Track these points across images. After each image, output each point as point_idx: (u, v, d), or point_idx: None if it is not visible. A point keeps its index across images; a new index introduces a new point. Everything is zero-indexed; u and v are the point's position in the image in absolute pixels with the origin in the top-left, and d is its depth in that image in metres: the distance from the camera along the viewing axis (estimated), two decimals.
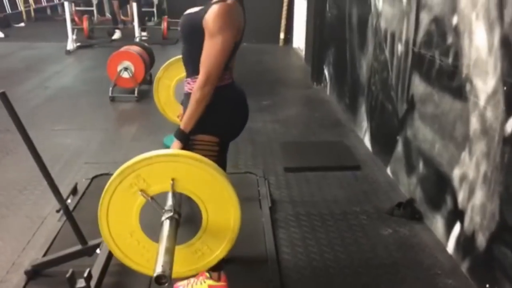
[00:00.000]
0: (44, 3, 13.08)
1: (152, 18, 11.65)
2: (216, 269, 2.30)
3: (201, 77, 1.96)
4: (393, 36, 3.69)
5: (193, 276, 2.34)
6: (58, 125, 4.81)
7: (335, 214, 3.21)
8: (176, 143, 2.02)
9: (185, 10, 2.15)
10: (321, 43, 6.26)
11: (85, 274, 1.99)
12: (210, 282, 2.31)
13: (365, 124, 4.44)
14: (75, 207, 3.18)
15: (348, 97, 5.05)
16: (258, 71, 7.29)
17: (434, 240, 2.92)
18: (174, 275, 1.92)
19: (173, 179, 1.64)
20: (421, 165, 3.18)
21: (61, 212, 3.06)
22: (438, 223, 2.94)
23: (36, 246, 2.80)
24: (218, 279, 2.32)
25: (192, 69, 2.09)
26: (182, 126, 2.02)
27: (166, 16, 9.82)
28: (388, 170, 3.81)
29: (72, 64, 7.72)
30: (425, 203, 3.12)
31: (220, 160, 2.17)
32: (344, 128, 4.85)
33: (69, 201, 3.25)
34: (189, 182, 1.67)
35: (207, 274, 2.31)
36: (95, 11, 11.93)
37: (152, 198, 1.67)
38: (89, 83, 6.44)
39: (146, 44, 6.42)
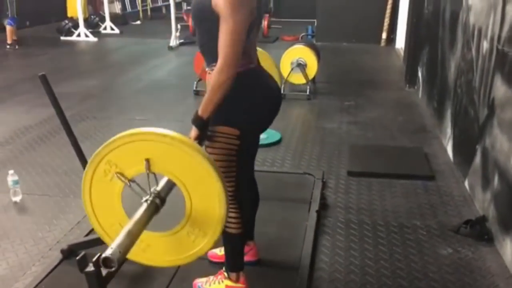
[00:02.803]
0: (159, 3, 13.87)
1: None
2: (234, 269, 2.19)
3: (219, 61, 1.81)
4: (480, 32, 3.27)
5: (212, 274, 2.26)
6: (140, 115, 5.01)
7: (391, 226, 2.91)
8: (193, 131, 1.90)
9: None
10: (416, 43, 5.82)
11: (94, 259, 1.98)
12: (228, 282, 2.20)
13: (449, 130, 4.01)
14: None
15: (436, 100, 4.61)
16: (349, 71, 7.00)
17: (501, 266, 2.52)
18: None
19: (147, 160, 1.54)
20: (496, 179, 2.77)
21: None
22: (507, 247, 2.53)
23: (83, 227, 2.90)
24: (237, 280, 2.20)
25: (209, 57, 1.96)
26: (199, 112, 1.87)
27: (267, 14, 9.84)
28: (466, 183, 3.39)
29: (170, 59, 8.06)
30: (497, 223, 2.71)
31: (244, 153, 2.04)
32: (428, 134, 4.44)
33: None
34: (165, 161, 1.56)
35: (225, 274, 2.21)
36: None
37: (131, 181, 1.60)
38: (180, 77, 6.66)
39: None
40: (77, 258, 2.01)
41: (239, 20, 1.78)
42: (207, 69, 2.01)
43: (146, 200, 1.60)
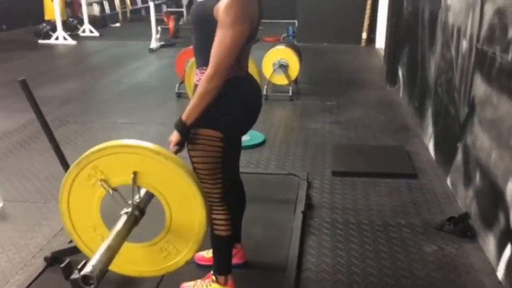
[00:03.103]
0: (139, 5, 13.77)
1: None
2: (222, 272, 2.18)
3: (209, 69, 1.83)
4: (459, 31, 3.32)
5: (200, 278, 2.26)
6: (122, 119, 4.96)
7: (375, 225, 2.94)
8: (174, 135, 1.92)
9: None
10: (396, 42, 5.88)
11: (80, 266, 1.96)
12: (216, 286, 2.19)
13: (430, 129, 4.06)
14: None
15: (417, 99, 4.67)
16: (331, 71, 7.05)
17: (484, 262, 2.56)
18: (139, 274, 1.83)
19: (135, 172, 1.54)
20: (477, 176, 2.81)
21: None
22: (490, 243, 2.57)
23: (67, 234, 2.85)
24: (225, 283, 2.19)
25: (201, 59, 1.98)
26: (183, 117, 1.88)
27: None
28: (448, 181, 3.43)
29: (151, 61, 8.01)
30: (479, 219, 2.75)
31: (229, 155, 2.04)
32: (410, 133, 4.49)
33: None
34: (152, 177, 1.56)
35: (213, 277, 2.20)
36: (184, 12, 12.33)
37: (114, 189, 1.58)
38: (161, 80, 6.62)
39: None
40: (62, 265, 2.00)
41: (238, 31, 1.79)
42: (196, 70, 2.01)
43: (127, 212, 1.59)
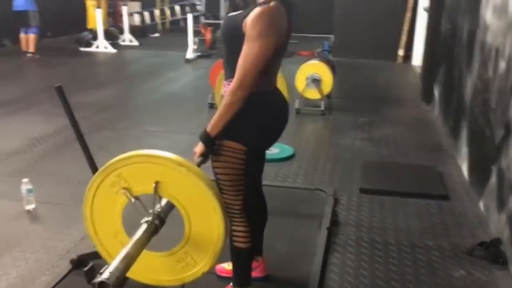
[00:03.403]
0: (178, 16, 14.03)
1: None
2: (242, 284, 2.17)
3: (234, 81, 1.86)
4: (497, 51, 3.24)
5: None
6: (154, 127, 5.04)
7: (402, 246, 2.87)
8: (199, 146, 1.94)
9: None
10: (433, 60, 5.79)
11: (102, 270, 1.98)
12: None
13: (465, 150, 3.96)
14: None
15: (452, 119, 4.56)
16: (365, 87, 6.99)
17: None
18: (155, 283, 1.84)
19: (156, 182, 1.56)
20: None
21: None
22: None
23: None
24: None
25: (229, 72, 2.01)
26: (208, 129, 1.91)
27: None
28: (481, 204, 3.33)
29: (187, 72, 8.14)
30: None
31: (251, 168, 2.04)
32: (443, 153, 4.39)
33: None
34: (173, 188, 1.57)
35: None
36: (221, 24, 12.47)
37: (136, 198, 1.60)
38: (195, 90, 6.71)
39: None
40: (85, 269, 2.03)
41: (263, 45, 1.81)
42: (225, 82, 2.03)
43: (147, 221, 1.61)
